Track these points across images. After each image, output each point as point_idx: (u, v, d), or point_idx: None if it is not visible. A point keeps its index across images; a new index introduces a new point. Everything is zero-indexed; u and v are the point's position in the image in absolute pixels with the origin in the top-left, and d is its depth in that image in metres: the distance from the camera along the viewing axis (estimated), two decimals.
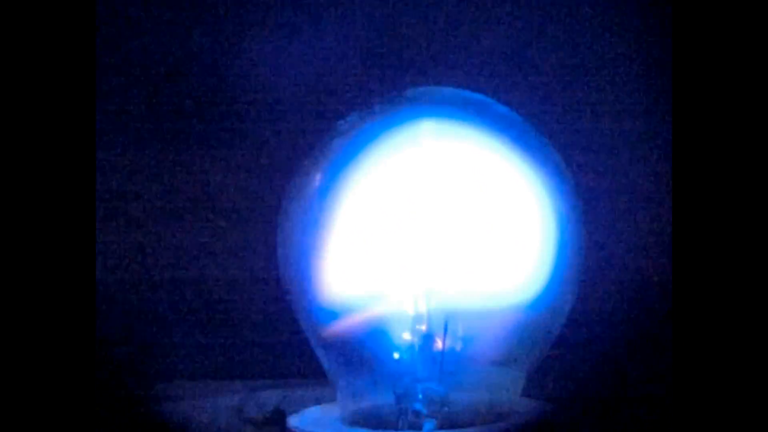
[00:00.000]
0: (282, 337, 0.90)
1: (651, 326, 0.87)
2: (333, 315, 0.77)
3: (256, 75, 0.94)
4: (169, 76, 0.94)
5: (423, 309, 0.76)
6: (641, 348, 0.85)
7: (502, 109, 0.80)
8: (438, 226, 0.76)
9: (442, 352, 0.76)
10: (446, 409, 0.75)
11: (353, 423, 0.76)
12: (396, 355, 0.76)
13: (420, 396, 0.75)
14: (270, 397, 0.83)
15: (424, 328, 0.76)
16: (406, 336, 0.76)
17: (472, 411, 0.76)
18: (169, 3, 0.93)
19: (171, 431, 0.80)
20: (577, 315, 0.79)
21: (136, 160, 0.94)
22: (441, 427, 0.75)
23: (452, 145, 0.77)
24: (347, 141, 0.78)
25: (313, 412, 0.78)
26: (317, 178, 0.78)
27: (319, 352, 0.78)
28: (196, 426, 0.81)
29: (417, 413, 0.75)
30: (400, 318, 0.76)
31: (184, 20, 0.93)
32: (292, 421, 0.76)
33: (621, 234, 0.91)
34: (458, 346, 0.76)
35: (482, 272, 0.76)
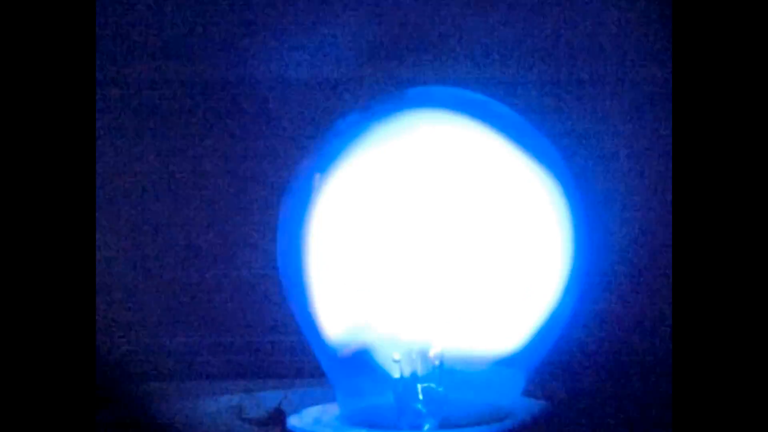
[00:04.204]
0: (282, 337, 0.90)
1: (651, 326, 0.87)
2: (333, 316, 0.77)
3: (255, 74, 0.93)
4: (168, 76, 0.94)
5: (424, 311, 0.76)
6: (641, 348, 0.85)
7: (503, 108, 0.80)
8: (438, 226, 0.76)
9: (442, 354, 0.76)
10: (446, 409, 0.75)
11: (353, 423, 0.76)
12: (396, 356, 0.76)
13: (420, 396, 0.75)
14: (270, 397, 0.83)
15: (423, 329, 0.76)
16: (406, 338, 0.76)
17: (472, 411, 0.76)
18: (170, 3, 0.93)
19: (171, 431, 0.80)
20: (578, 315, 0.79)
21: (135, 159, 0.94)
22: (441, 427, 0.75)
23: (452, 145, 0.77)
24: (347, 141, 0.78)
25: (313, 412, 0.78)
26: (317, 178, 0.78)
27: (319, 353, 0.78)
28: (196, 426, 0.81)
29: (417, 413, 0.75)
30: (400, 320, 0.76)
31: (183, 19, 0.93)
32: (292, 421, 0.76)
33: (621, 233, 0.91)
34: (458, 349, 0.76)
35: (486, 280, 0.76)
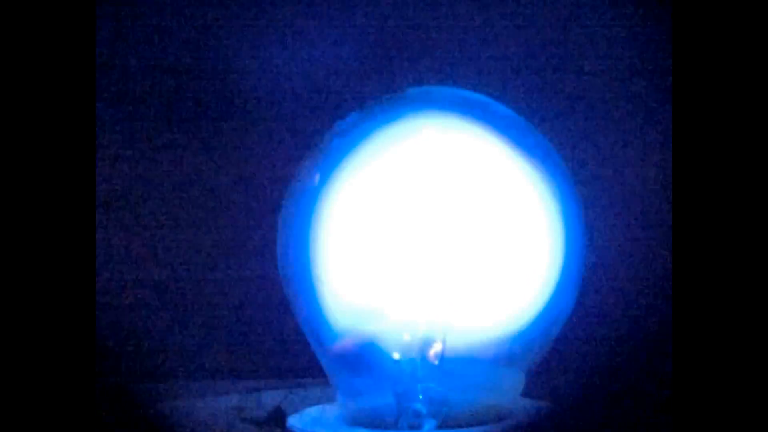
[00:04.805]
0: (282, 337, 0.90)
1: (651, 326, 0.87)
2: (332, 316, 0.77)
3: (255, 75, 0.94)
4: (169, 76, 0.94)
5: (424, 311, 0.76)
6: (641, 348, 0.85)
7: (503, 109, 0.80)
8: (438, 227, 0.76)
9: (442, 353, 0.76)
10: (446, 409, 0.75)
11: (353, 423, 0.76)
12: (396, 356, 0.76)
13: (420, 396, 0.75)
14: (270, 397, 0.83)
15: (423, 330, 0.76)
16: (407, 337, 0.76)
17: (472, 411, 0.76)
18: (170, 2, 0.93)
19: (171, 431, 0.80)
20: (578, 315, 0.79)
21: (135, 159, 0.94)
22: (441, 427, 0.75)
23: (452, 145, 0.77)
24: (347, 141, 0.78)
25: (313, 412, 0.78)
26: (317, 178, 0.78)
27: (319, 353, 0.78)
28: (196, 426, 0.81)
29: (417, 413, 0.75)
30: (400, 319, 0.76)
31: (184, 20, 0.93)
32: (292, 421, 0.76)
33: (621, 233, 0.91)
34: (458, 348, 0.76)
35: (485, 278, 0.76)
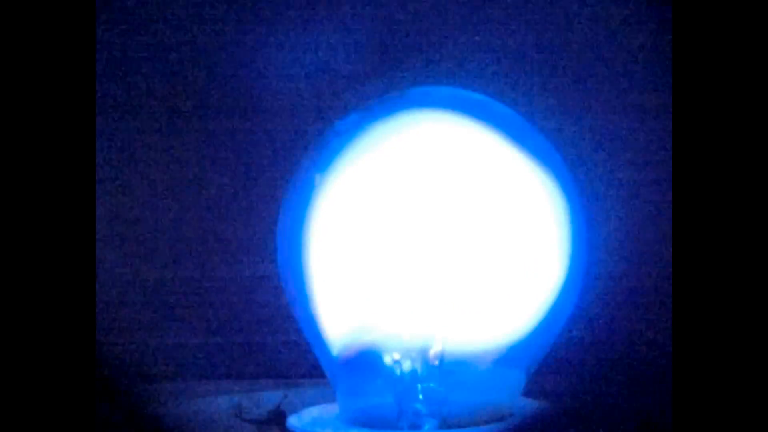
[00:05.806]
0: (282, 337, 0.90)
1: (651, 326, 0.87)
2: (334, 316, 0.77)
3: (255, 74, 0.93)
4: (169, 74, 0.94)
5: (424, 312, 0.76)
6: (641, 347, 0.85)
7: (503, 109, 0.80)
8: (438, 226, 0.76)
9: (442, 353, 0.76)
10: (446, 409, 0.75)
11: (353, 423, 0.76)
12: (396, 356, 0.76)
13: (420, 396, 0.75)
14: (270, 397, 0.83)
15: (424, 327, 0.76)
16: (407, 337, 0.76)
17: (472, 411, 0.76)
18: (171, 1, 0.93)
19: (171, 431, 0.80)
20: (578, 314, 0.79)
21: (135, 159, 0.94)
22: (441, 427, 0.75)
23: (452, 145, 0.77)
24: (347, 141, 0.78)
25: (313, 412, 0.78)
26: (316, 178, 0.78)
27: (319, 352, 0.78)
28: (196, 426, 0.81)
29: (417, 413, 0.75)
30: (401, 320, 0.76)
31: (184, 17, 0.93)
32: (292, 421, 0.76)
33: (622, 233, 0.91)
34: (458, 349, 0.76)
35: (486, 279, 0.76)
